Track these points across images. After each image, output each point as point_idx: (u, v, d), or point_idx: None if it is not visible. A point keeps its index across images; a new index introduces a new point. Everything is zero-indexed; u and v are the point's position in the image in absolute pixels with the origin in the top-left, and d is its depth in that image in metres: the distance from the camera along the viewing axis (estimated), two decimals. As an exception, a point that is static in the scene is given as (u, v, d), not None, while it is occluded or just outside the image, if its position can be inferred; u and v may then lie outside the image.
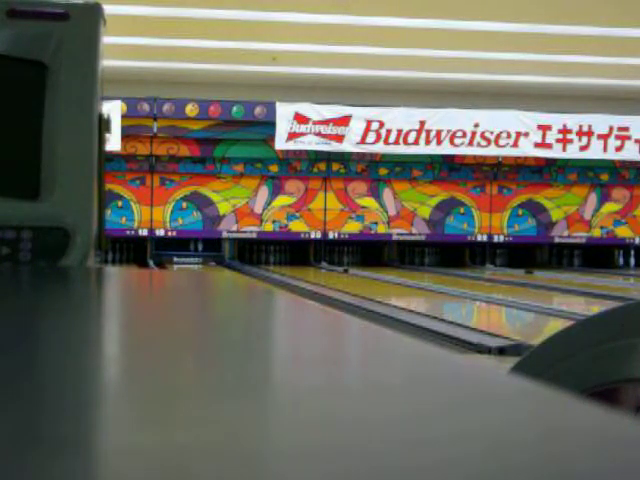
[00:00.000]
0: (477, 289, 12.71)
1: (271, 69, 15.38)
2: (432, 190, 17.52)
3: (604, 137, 17.38)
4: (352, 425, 0.65)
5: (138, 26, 12.84)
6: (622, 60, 14.52)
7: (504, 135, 17.14)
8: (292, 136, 16.64)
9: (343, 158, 17.13)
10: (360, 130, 16.75)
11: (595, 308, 9.38)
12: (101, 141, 3.18)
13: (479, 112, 16.99)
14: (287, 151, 16.85)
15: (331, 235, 17.25)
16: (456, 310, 10.87)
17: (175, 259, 16.93)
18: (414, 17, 12.51)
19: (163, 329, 1.32)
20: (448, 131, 16.95)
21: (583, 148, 17.38)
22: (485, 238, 17.70)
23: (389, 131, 16.84)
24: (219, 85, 16.34)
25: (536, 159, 17.51)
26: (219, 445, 0.59)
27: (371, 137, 16.83)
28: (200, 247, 17.26)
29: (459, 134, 17.03)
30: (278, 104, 16.54)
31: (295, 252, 17.48)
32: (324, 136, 16.69)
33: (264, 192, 17.05)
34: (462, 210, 17.61)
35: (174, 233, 16.86)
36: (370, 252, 17.74)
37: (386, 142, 16.86)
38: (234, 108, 16.44)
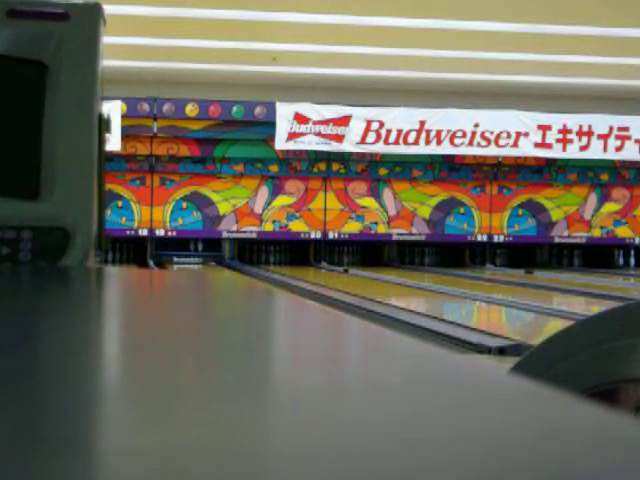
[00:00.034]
0: (477, 289, 12.71)
1: (271, 69, 15.39)
2: (432, 190, 17.52)
3: (604, 137, 17.38)
4: (352, 425, 0.65)
5: (138, 26, 12.84)
6: (622, 60, 14.52)
7: (504, 135, 17.14)
8: (292, 136, 16.64)
9: (343, 158, 17.13)
10: (360, 130, 16.75)
11: (595, 308, 9.38)
12: (101, 141, 3.18)
13: (479, 112, 16.99)
14: (287, 151, 16.85)
15: (331, 235, 17.25)
16: (456, 310, 10.87)
17: (175, 259, 16.93)
18: (414, 17, 12.51)
19: (163, 329, 1.32)
20: (448, 131, 16.95)
21: (583, 148, 17.39)
22: (485, 238, 17.70)
23: (389, 131, 16.84)
24: (219, 85, 16.34)
25: (536, 159, 17.51)
26: (219, 445, 0.59)
27: (371, 137, 16.83)
28: (200, 247, 17.26)
29: (459, 134, 17.03)
30: (278, 104, 16.54)
31: (295, 252, 17.48)
32: (324, 136, 16.69)
33: (264, 192, 17.05)
34: (462, 210, 17.61)
35: (174, 233, 16.86)
36: (370, 252, 17.74)
37: (386, 142, 16.86)
38: (234, 108, 16.44)
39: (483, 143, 17.13)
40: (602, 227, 17.98)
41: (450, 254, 17.83)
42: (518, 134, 17.18)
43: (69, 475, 0.52)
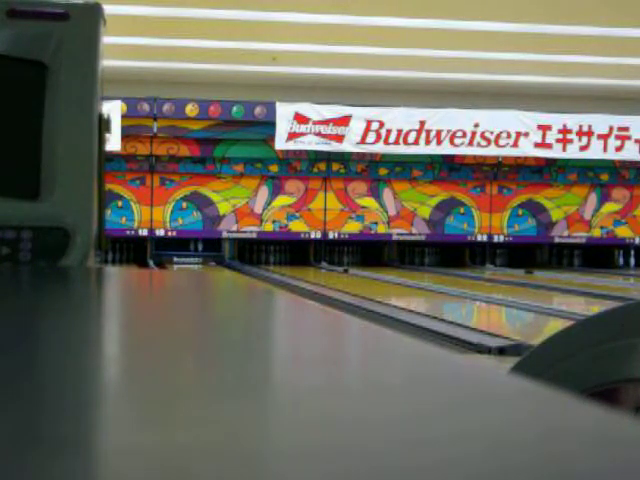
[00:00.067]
0: (477, 289, 12.71)
1: (271, 69, 15.39)
2: (432, 190, 17.52)
3: (604, 137, 17.38)
4: (352, 425, 0.65)
5: (138, 26, 12.84)
6: (622, 60, 14.52)
7: (504, 135, 17.14)
8: (292, 136, 16.64)
9: (343, 158, 17.13)
10: (360, 130, 16.75)
11: (595, 308, 9.38)
12: (101, 141, 3.18)
13: (479, 112, 16.99)
14: (287, 151, 16.85)
15: (331, 235, 17.25)
16: (456, 310, 10.87)
17: (175, 259, 16.93)
18: (414, 17, 12.51)
19: (163, 329, 1.32)
20: (448, 131, 16.95)
21: (583, 148, 17.39)
22: (485, 238, 17.70)
23: (389, 131, 16.84)
24: (219, 85, 16.34)
25: (536, 159, 17.51)
26: (219, 445, 0.59)
27: (371, 137, 16.83)
28: (200, 247, 17.26)
29: (459, 134, 17.03)
30: (278, 104, 16.54)
31: (295, 252, 17.48)
32: (324, 136, 16.69)
33: (264, 192, 17.05)
34: (462, 210, 17.61)
35: (174, 233, 16.86)
36: (370, 252, 17.74)
37: (386, 142, 16.86)
38: (234, 108, 16.44)
39: (483, 143, 17.13)
40: (602, 227, 17.98)
41: (450, 254, 17.83)
42: (518, 134, 17.18)
43: (69, 475, 0.52)
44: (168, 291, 2.35)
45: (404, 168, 17.31)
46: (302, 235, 17.18)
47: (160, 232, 16.76)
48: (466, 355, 6.49)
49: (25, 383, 0.79)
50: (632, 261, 18.25)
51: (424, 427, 0.65)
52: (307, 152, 16.91)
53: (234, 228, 16.98)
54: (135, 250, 16.86)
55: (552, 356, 1.83)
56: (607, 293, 11.32)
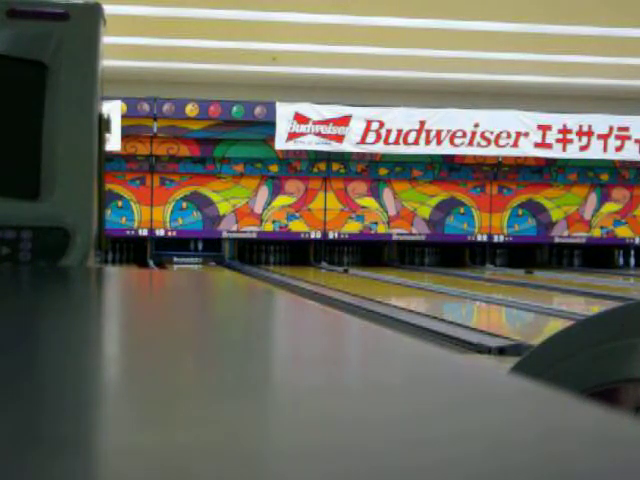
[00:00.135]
0: (477, 289, 12.71)
1: (271, 69, 15.39)
2: (432, 190, 17.52)
3: (604, 137, 17.39)
4: (352, 425, 0.65)
5: (138, 26, 12.84)
6: (622, 60, 14.52)
7: (504, 135, 17.15)
8: (292, 136, 16.64)
9: (343, 158, 17.13)
10: (360, 130, 16.75)
11: (595, 308, 9.38)
12: (101, 141, 3.18)
13: (479, 112, 16.99)
14: (287, 151, 16.85)
15: (331, 235, 17.25)
16: (456, 310, 10.87)
17: (175, 259, 16.94)
18: (414, 17, 12.51)
19: (163, 329, 1.32)
20: (448, 131, 16.96)
21: (583, 148, 17.39)
22: (485, 238, 17.70)
23: (389, 131, 16.84)
24: (219, 85, 16.34)
25: (536, 159, 17.51)
26: (219, 445, 0.59)
27: (371, 137, 16.83)
28: (200, 247, 17.26)
29: (459, 134, 17.03)
30: (278, 104, 16.55)
31: (295, 252, 17.48)
32: (324, 136, 16.69)
33: (264, 192, 17.05)
34: (462, 210, 17.61)
35: (174, 233, 16.86)
36: (370, 252, 17.74)
37: (386, 142, 16.86)
38: (234, 108, 16.44)
39: (483, 143, 17.13)
40: (602, 227, 17.98)
41: (450, 254, 17.83)
42: (518, 134, 17.18)
43: (69, 475, 0.52)
44: (168, 291, 2.35)
45: (404, 168, 17.31)
46: (302, 235, 17.18)
47: (160, 232, 16.76)
48: (466, 355, 6.49)
49: (25, 383, 0.79)
50: (632, 261, 18.25)
51: (424, 427, 0.65)
52: (307, 152, 16.91)
53: (234, 228, 16.98)
54: (135, 250, 16.86)
55: (552, 356, 1.83)
56: (607, 293, 11.32)
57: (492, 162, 17.49)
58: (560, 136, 17.28)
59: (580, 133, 17.33)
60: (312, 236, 17.21)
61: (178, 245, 17.08)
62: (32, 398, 0.73)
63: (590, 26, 12.76)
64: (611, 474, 0.55)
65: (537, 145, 17.26)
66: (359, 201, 17.33)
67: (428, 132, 16.92)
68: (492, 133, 17.10)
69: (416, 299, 12.00)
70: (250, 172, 16.91)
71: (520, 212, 17.79)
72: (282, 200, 17.06)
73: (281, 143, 16.67)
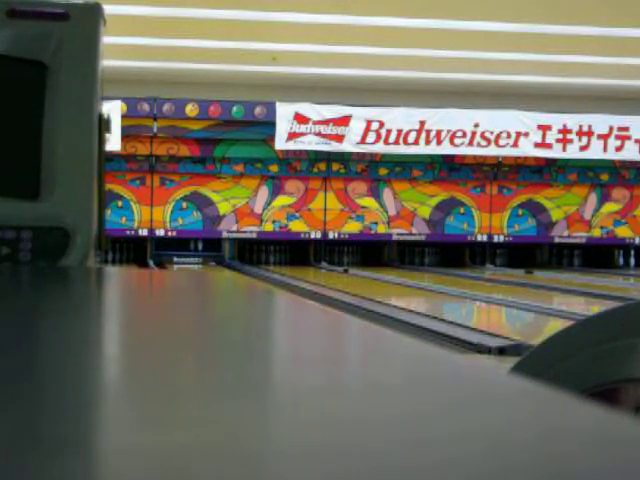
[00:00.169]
0: (477, 289, 12.71)
1: (271, 69, 15.39)
2: (432, 190, 17.53)
3: (604, 137, 17.39)
4: (352, 425, 0.65)
5: (138, 26, 12.84)
6: (622, 60, 14.52)
7: (504, 135, 17.15)
8: (292, 136, 16.64)
9: (343, 158, 17.13)
10: (360, 130, 16.75)
11: (595, 308, 9.38)
12: (101, 141, 3.18)
13: (479, 112, 16.99)
14: (287, 151, 16.85)
15: (331, 235, 17.25)
16: (456, 310, 10.87)
17: (175, 259, 16.94)
18: (414, 17, 12.51)
19: (163, 329, 1.32)
20: (448, 131, 16.96)
21: (583, 148, 17.39)
22: (485, 238, 17.70)
23: (389, 131, 16.84)
24: (219, 85, 16.34)
25: (536, 159, 17.51)
26: (219, 445, 0.59)
27: (371, 137, 16.83)
28: (200, 247, 17.26)
29: (459, 134, 17.03)
30: (278, 104, 16.54)
31: (295, 252, 17.48)
32: (324, 136, 16.69)
33: (264, 192, 17.05)
34: (462, 210, 17.61)
35: (174, 233, 16.86)
36: (370, 252, 17.74)
37: (386, 142, 16.86)
38: (234, 108, 16.44)
39: (483, 143, 17.13)
40: (602, 227, 17.98)
41: (450, 254, 17.83)
42: (518, 134, 17.18)
43: (69, 475, 0.52)
44: (168, 291, 2.35)
45: (404, 168, 17.31)
46: (302, 235, 17.18)
47: (160, 232, 16.76)
48: (466, 355, 6.49)
49: (25, 383, 0.79)
50: (632, 261, 18.25)
51: (424, 427, 0.65)
52: (307, 152, 16.91)
53: (234, 228, 16.98)
54: (135, 250, 16.86)
55: (552, 356, 1.83)
56: (607, 293, 11.32)
57: (492, 162, 17.49)
58: (560, 136, 17.28)
59: (580, 133, 17.33)
60: (312, 236, 17.21)
61: (178, 245, 17.08)
62: (32, 398, 0.73)
63: (590, 26, 12.76)
64: (611, 474, 0.55)
65: (537, 145, 17.26)
66: (359, 201, 17.33)
67: (428, 132, 16.92)
68: (492, 133, 17.10)
69: (416, 299, 12.00)
70: (250, 172, 16.91)
71: (520, 212, 17.80)
72: (282, 200, 17.06)
73: (281, 143, 16.67)
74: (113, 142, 14.80)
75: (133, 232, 16.63)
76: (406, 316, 8.92)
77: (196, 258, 17.15)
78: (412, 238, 17.56)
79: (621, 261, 18.31)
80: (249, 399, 0.74)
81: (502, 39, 13.37)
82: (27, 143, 3.11)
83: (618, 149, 17.47)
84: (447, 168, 17.47)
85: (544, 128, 17.19)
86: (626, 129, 17.39)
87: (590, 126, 17.32)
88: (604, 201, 17.98)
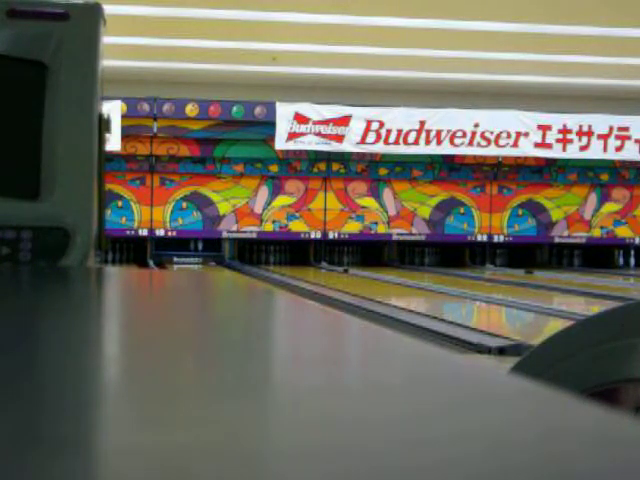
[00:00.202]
0: (477, 289, 12.71)
1: (271, 69, 15.39)
2: (432, 190, 17.53)
3: (604, 137, 17.38)
4: (352, 425, 0.65)
5: (138, 26, 12.84)
6: (622, 60, 14.52)
7: (504, 135, 17.15)
8: (292, 136, 16.64)
9: (343, 158, 17.13)
10: (360, 130, 16.75)
11: (595, 308, 9.38)
12: (101, 141, 3.18)
13: (479, 112, 16.99)
14: (287, 151, 16.85)
15: (331, 235, 17.25)
16: (456, 310, 10.87)
17: (175, 259, 16.94)
18: (414, 17, 12.51)
19: (163, 329, 1.32)
20: (448, 131, 16.96)
21: (583, 148, 17.39)
22: (485, 238, 17.70)
23: (389, 131, 16.84)
24: (219, 85, 16.34)
25: (536, 159, 17.51)
26: (219, 445, 0.59)
27: (371, 137, 16.83)
28: (200, 247, 17.26)
29: (459, 134, 17.03)
30: (278, 104, 16.54)
31: (295, 252, 17.48)
32: (324, 136, 16.69)
33: (264, 192, 17.05)
34: (462, 210, 17.61)
35: (174, 233, 16.86)
36: (370, 252, 17.74)
37: (386, 142, 16.86)
38: (234, 108, 16.44)
39: (483, 143, 17.13)
40: (602, 227, 17.98)
41: (450, 254, 17.83)
42: (518, 134, 17.18)
43: (69, 475, 0.52)
44: (168, 291, 2.35)
45: (404, 168, 17.31)
46: (302, 235, 17.18)
47: (160, 232, 16.76)
48: (466, 355, 6.49)
49: (25, 383, 0.79)
50: (632, 261, 18.25)
51: (424, 427, 0.65)
52: (307, 152, 16.91)
53: (234, 228, 16.98)
54: (135, 250, 16.86)
55: (552, 356, 1.83)
56: (607, 293, 11.32)
57: (492, 162, 17.49)
58: (560, 136, 17.28)
59: (580, 133, 17.33)
60: (312, 236, 17.21)
61: (178, 245, 17.08)
62: (32, 398, 0.73)
63: (590, 26, 12.76)
64: (611, 474, 0.55)
65: (537, 145, 17.26)
66: (359, 201, 17.33)
67: (428, 132, 16.92)
68: (492, 133, 17.10)
69: (416, 299, 12.00)
70: (250, 172, 16.91)
71: (520, 212, 17.80)
72: (282, 200, 17.06)
73: (281, 143, 16.67)
74: (113, 142, 14.80)
75: (133, 232, 16.63)
76: (406, 316, 8.92)
77: (196, 258, 17.15)
78: (412, 238, 17.56)
79: (621, 261, 18.31)
80: (249, 399, 0.74)
81: (502, 39, 13.37)
82: (27, 143, 3.11)
83: (618, 149, 17.47)
84: (447, 168, 17.47)
85: (544, 128, 17.19)
86: (626, 129, 17.39)
87: (590, 126, 17.32)
88: (604, 201, 17.98)
